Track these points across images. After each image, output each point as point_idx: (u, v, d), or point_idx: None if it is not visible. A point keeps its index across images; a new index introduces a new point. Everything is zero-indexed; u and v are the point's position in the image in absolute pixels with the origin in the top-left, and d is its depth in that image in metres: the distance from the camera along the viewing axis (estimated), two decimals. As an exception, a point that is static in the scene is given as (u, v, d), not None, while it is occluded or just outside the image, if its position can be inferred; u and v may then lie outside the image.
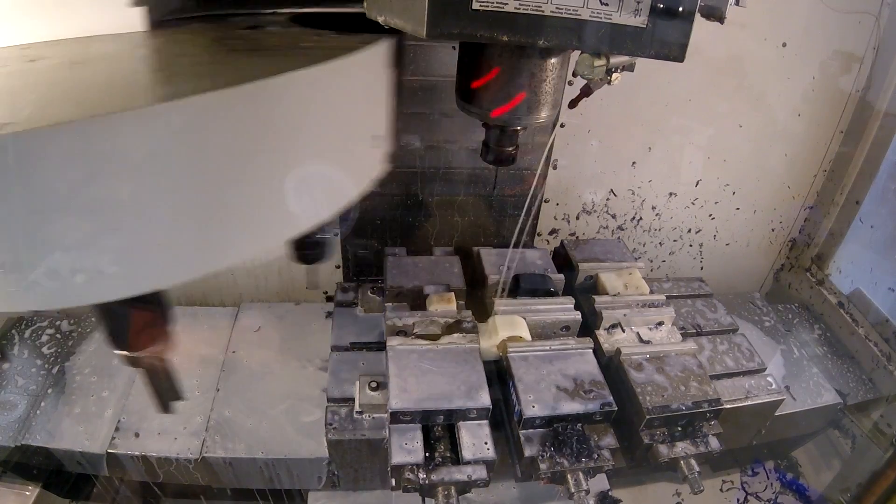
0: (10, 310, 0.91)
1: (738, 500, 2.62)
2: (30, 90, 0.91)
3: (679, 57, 1.16)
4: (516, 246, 2.01)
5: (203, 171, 0.88)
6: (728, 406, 1.89)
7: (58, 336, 2.28)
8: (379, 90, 1.22)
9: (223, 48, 1.17)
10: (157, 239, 0.89)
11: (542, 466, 1.63)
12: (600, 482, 1.97)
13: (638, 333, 1.98)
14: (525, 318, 1.91)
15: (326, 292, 2.69)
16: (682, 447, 1.76)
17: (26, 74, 0.99)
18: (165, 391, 1.40)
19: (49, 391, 2.07)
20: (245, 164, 0.93)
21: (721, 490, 2.64)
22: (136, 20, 1.28)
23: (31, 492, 1.98)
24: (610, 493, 1.97)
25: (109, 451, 1.90)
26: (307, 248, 1.56)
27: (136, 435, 1.94)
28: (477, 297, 2.08)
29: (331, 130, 1.08)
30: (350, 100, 1.12)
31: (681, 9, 1.11)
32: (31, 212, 0.77)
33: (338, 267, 2.59)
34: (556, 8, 1.08)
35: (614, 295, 2.06)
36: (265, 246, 1.06)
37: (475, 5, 1.06)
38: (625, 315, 1.99)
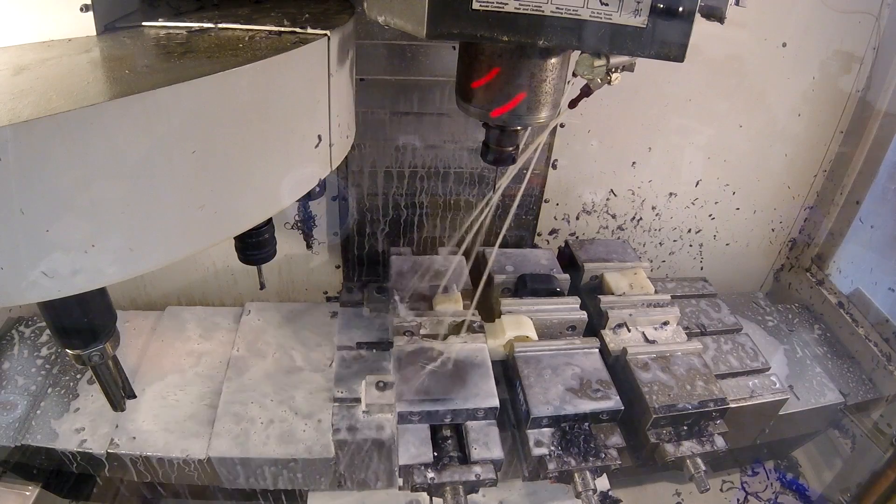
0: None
1: (738, 500, 2.62)
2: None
3: (679, 57, 1.16)
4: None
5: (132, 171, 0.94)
6: (733, 405, 1.88)
7: (58, 336, 2.25)
8: (313, 89, 1.26)
9: (160, 52, 1.19)
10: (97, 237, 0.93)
11: (550, 466, 1.63)
12: (601, 482, 1.97)
13: (643, 333, 1.98)
14: (531, 318, 1.91)
15: (326, 293, 2.68)
16: (688, 446, 1.76)
17: None
18: (116, 389, 1.41)
19: (49, 391, 2.05)
20: (179, 163, 0.99)
21: (721, 490, 2.64)
22: (88, 25, 1.29)
23: (31, 492, 1.96)
24: (610, 492, 1.97)
25: (109, 451, 1.88)
26: (249, 249, 1.56)
27: (137, 435, 1.92)
28: (483, 297, 2.08)
29: (260, 129, 1.13)
30: (279, 99, 1.16)
31: (681, 9, 1.10)
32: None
33: (338, 267, 2.58)
34: (556, 8, 1.08)
35: (620, 295, 2.07)
36: (203, 244, 1.09)
37: (475, 5, 1.08)
38: (630, 315, 1.99)
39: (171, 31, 1.33)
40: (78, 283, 0.94)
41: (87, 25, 1.29)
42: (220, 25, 1.34)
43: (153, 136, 0.92)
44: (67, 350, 1.28)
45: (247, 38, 1.24)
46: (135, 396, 1.50)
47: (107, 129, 0.86)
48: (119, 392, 1.43)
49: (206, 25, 1.34)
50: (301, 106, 1.23)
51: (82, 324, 1.23)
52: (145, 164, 0.93)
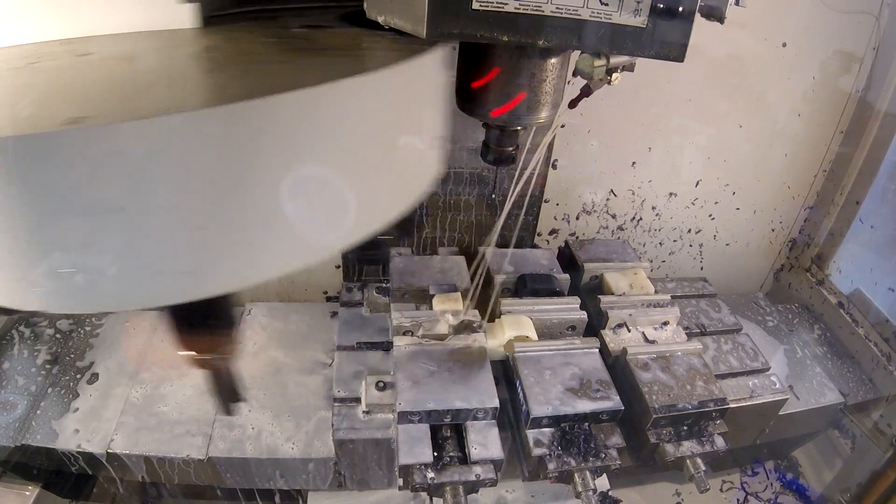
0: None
1: (738, 500, 2.62)
2: (89, 84, 0.89)
3: (679, 57, 1.15)
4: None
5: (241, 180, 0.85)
6: (733, 405, 1.88)
7: (58, 336, 2.25)
8: (439, 94, 1.20)
9: (285, 47, 1.15)
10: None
11: (550, 466, 1.63)
12: (601, 482, 1.97)
13: (643, 333, 1.98)
14: (531, 318, 1.91)
15: (326, 293, 2.68)
16: (688, 446, 1.76)
17: (79, 68, 0.96)
18: (228, 393, 1.40)
19: (49, 391, 2.05)
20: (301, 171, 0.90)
21: (721, 490, 2.65)
22: (185, 17, 1.25)
23: (31, 492, 1.96)
24: (610, 492, 1.97)
25: (109, 451, 1.88)
26: None
27: (137, 435, 1.92)
28: (483, 297, 2.08)
29: (390, 136, 1.05)
30: (412, 104, 1.10)
31: (681, 9, 1.10)
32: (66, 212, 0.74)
33: (338, 267, 2.57)
34: (556, 8, 1.08)
35: (620, 295, 2.06)
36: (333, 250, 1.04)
37: (475, 5, 1.06)
38: (630, 315, 1.99)
39: (280, 25, 1.29)
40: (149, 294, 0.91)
41: (188, 16, 1.22)
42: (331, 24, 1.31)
43: (289, 138, 0.85)
44: (186, 353, 1.26)
45: (365, 39, 1.20)
46: (245, 400, 1.46)
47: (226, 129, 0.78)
48: (231, 396, 1.42)
49: (321, 24, 1.30)
50: (430, 107, 1.17)
51: (206, 328, 1.21)
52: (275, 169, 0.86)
